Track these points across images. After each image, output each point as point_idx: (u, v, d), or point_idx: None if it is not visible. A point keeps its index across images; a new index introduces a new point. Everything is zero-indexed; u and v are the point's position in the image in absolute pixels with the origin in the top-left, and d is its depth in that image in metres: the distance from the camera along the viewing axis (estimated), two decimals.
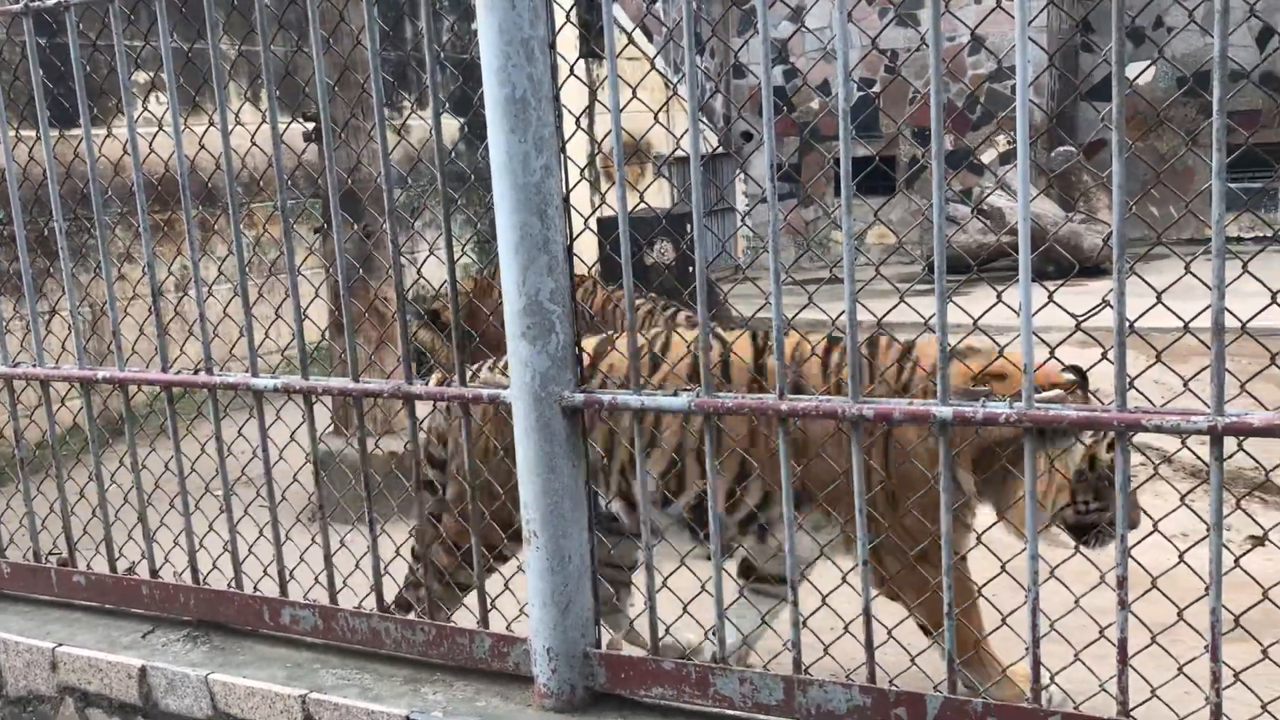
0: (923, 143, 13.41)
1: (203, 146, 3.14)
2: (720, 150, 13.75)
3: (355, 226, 4.87)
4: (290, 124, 3.15)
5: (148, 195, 3.14)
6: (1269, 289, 2.04)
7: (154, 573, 3.38)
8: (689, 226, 8.24)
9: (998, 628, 2.39)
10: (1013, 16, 2.07)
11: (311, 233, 6.13)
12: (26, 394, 3.80)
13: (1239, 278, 2.07)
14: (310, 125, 5.15)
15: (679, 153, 12.38)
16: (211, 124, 2.98)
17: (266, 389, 3.05)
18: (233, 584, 3.24)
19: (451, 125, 8.28)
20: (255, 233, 7.92)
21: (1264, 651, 2.17)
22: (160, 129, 3.21)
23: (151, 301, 3.18)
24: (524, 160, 2.48)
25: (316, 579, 3.12)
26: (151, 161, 3.26)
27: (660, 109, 2.80)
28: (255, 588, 3.24)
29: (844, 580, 2.56)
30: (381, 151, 2.76)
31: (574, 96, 2.58)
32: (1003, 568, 2.39)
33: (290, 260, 2.96)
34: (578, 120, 2.61)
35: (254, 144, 3.20)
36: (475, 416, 3.00)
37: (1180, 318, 2.10)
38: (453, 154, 2.83)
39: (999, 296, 2.30)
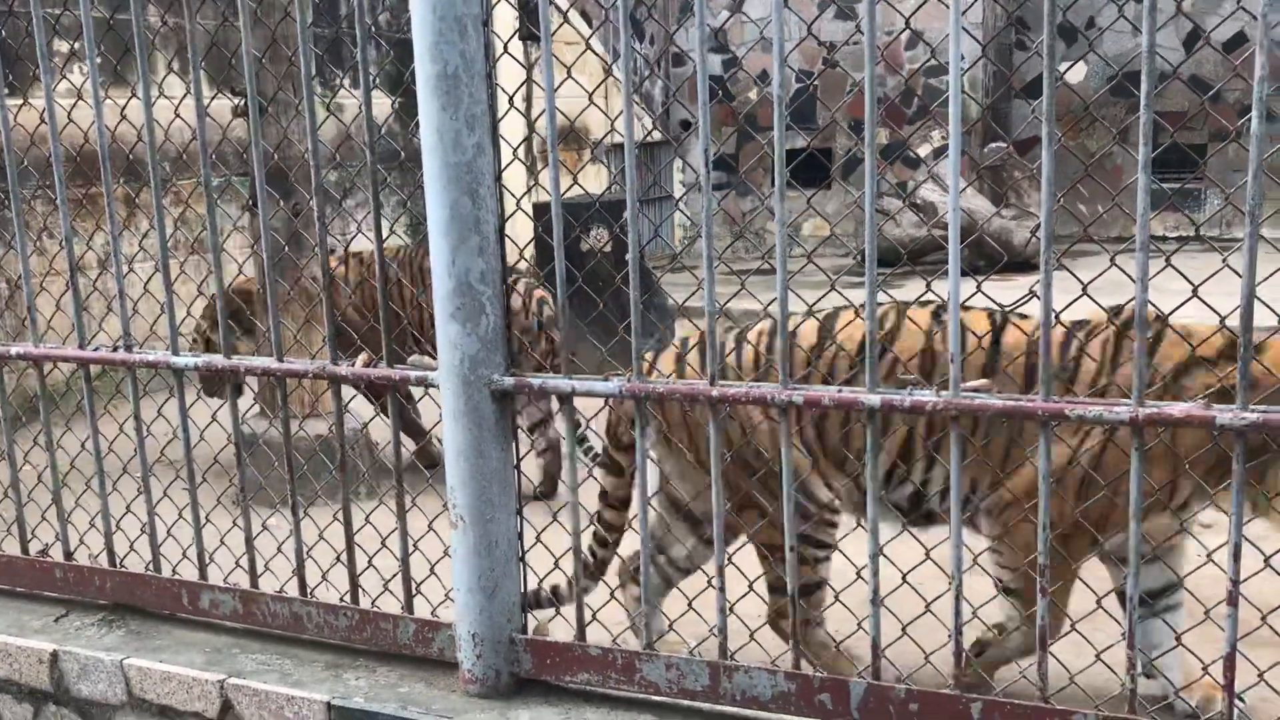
0: (859, 135, 13.50)
1: (124, 117, 3.05)
2: (658, 137, 13.73)
3: (284, 204, 4.78)
4: (214, 98, 3.07)
5: (67, 168, 3.05)
6: (1191, 283, 2.07)
7: (68, 555, 3.29)
8: (624, 213, 8.14)
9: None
10: (948, 6, 2.08)
11: (240, 210, 6.00)
12: None
13: (1162, 271, 2.10)
14: (238, 100, 5.03)
15: (617, 139, 12.35)
16: (134, 95, 2.89)
17: (187, 367, 2.97)
18: (150, 567, 3.16)
19: (385, 103, 8.17)
20: (181, 209, 7.75)
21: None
22: (79, 100, 3.11)
23: (69, 277, 3.09)
24: (455, 138, 2.44)
25: (238, 562, 3.06)
26: (72, 133, 3.16)
27: (595, 89, 2.77)
28: (174, 571, 3.17)
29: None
30: (310, 127, 2.70)
31: (511, 78, 2.55)
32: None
33: (214, 237, 2.89)
34: (511, 99, 2.58)
35: (178, 116, 3.11)
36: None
37: (1104, 310, 2.13)
38: (384, 133, 2.77)
39: (928, 286, 2.32)
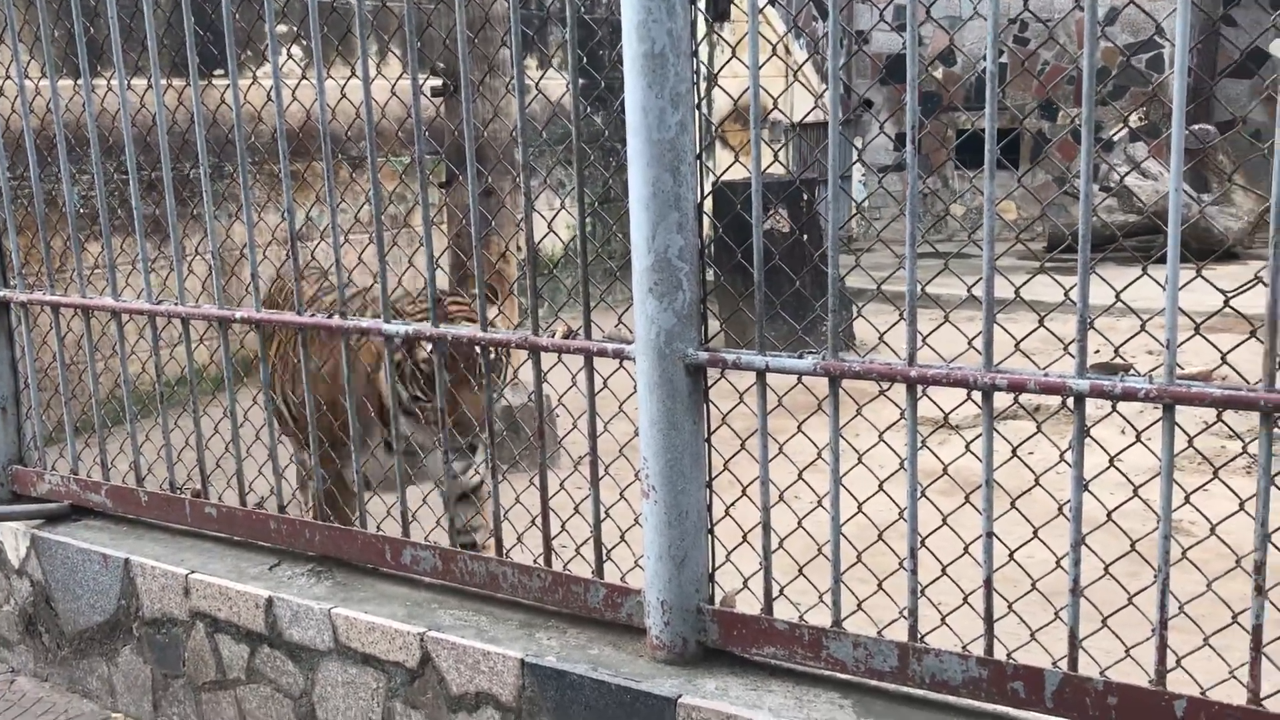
0: (1049, 116, 13.02)
1: (344, 96, 3.21)
2: (845, 118, 13.54)
3: (485, 179, 4.94)
4: (426, 79, 3.21)
5: (288, 144, 3.23)
6: None
7: (281, 508, 3.51)
8: (805, 195, 8.10)
9: (1123, 607, 2.34)
10: None
11: (436, 188, 6.23)
12: (168, 332, 3.95)
13: None
14: (439, 81, 5.23)
15: (796, 118, 12.23)
16: (353, 75, 3.05)
17: (396, 334, 3.12)
18: (356, 522, 3.34)
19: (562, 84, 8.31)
20: (379, 186, 8.09)
21: None
22: (304, 78, 3.29)
23: (289, 247, 3.28)
24: (660, 116, 2.49)
25: (438, 522, 3.20)
26: (291, 111, 3.35)
27: (780, 71, 2.77)
28: (378, 527, 3.34)
29: (965, 551, 2.53)
30: (519, 105, 2.79)
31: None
32: (1133, 546, 2.34)
33: (425, 211, 3.03)
34: (714, 78, 2.61)
35: (394, 95, 3.26)
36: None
37: None
38: (570, 116, 2.85)
39: (1144, 269, 2.24)
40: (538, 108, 6.87)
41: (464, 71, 2.82)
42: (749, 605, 2.72)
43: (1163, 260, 2.08)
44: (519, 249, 8.92)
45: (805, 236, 8.13)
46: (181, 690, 3.52)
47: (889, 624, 2.57)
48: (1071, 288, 2.19)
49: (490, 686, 2.84)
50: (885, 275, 2.73)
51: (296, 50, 7.52)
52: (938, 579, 2.52)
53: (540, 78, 8.92)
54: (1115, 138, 12.31)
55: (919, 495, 2.44)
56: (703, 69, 2.58)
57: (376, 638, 3.03)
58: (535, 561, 3.00)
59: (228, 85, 3.19)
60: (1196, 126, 10.90)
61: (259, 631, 3.28)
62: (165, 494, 3.71)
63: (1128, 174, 10.90)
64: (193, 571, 3.42)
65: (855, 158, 3.03)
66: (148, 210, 3.59)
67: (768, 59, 2.67)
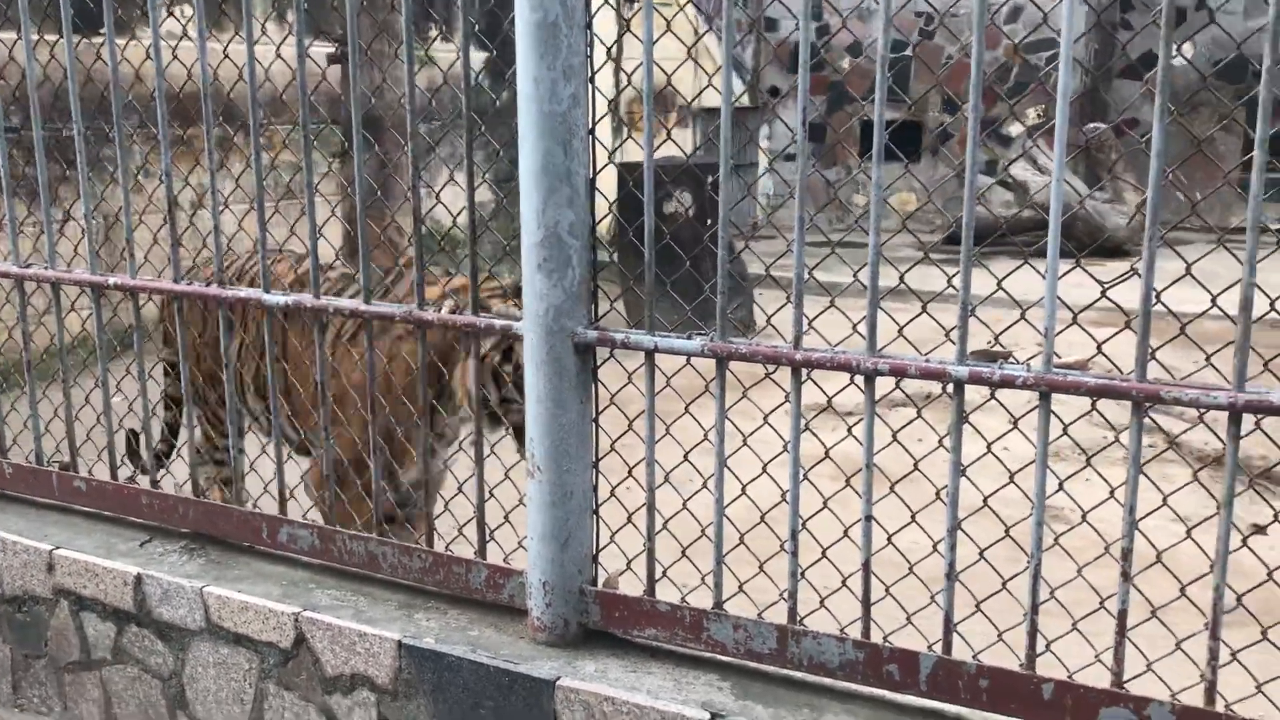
0: (951, 110, 13.24)
1: (226, 56, 3.09)
2: (747, 103, 13.60)
3: (376, 149, 4.83)
4: (310, 45, 3.10)
5: (168, 107, 3.10)
6: None
7: (154, 483, 3.39)
8: (708, 179, 8.11)
9: (997, 592, 2.38)
10: None
11: (329, 157, 6.08)
12: (36, 298, 3.78)
13: (1270, 255, 2.03)
14: (333, 48, 5.09)
15: (704, 102, 12.24)
16: (237, 34, 2.93)
17: (277, 306, 3.03)
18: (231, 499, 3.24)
19: (477, 58, 8.19)
20: (274, 154, 7.88)
21: (1263, 633, 2.16)
22: (185, 38, 3.16)
23: (167, 212, 3.15)
24: (551, 88, 2.44)
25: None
26: (173, 73, 3.21)
27: (688, 51, 2.74)
28: (255, 504, 3.25)
29: (845, 534, 2.54)
30: (408, 75, 2.71)
31: (603, 29, 2.54)
32: (1007, 532, 2.38)
33: (309, 177, 2.93)
34: (609, 50, 2.56)
35: (279, 58, 3.15)
36: None
37: (1209, 290, 2.07)
38: (476, 86, 2.78)
39: (1025, 260, 2.27)
40: (440, 78, 6.74)
41: (352, 36, 2.73)
42: (632, 587, 2.70)
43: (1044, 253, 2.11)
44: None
45: (709, 220, 8.15)
46: (43, 671, 3.38)
47: (769, 605, 2.57)
48: (954, 275, 2.20)
49: (366, 668, 2.78)
50: (774, 262, 2.72)
51: (188, 9, 7.25)
52: (817, 562, 2.52)
53: (429, 47, 8.77)
54: (1014, 133, 12.59)
55: (801, 478, 2.44)
56: (601, 46, 2.53)
57: (250, 617, 2.94)
58: (417, 541, 2.93)
59: (104, 43, 3.04)
60: (1089, 125, 11.20)
61: (127, 610, 3.16)
62: (31, 466, 3.55)
63: (1012, 163, 11.15)
64: (57, 547, 3.28)
65: (759, 145, 3.01)
66: (33, 172, 3.41)
67: (661, 34, 2.63)
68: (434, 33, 9.35)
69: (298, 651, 2.88)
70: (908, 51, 13.21)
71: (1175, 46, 1.97)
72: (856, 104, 13.57)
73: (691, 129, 8.36)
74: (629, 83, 2.53)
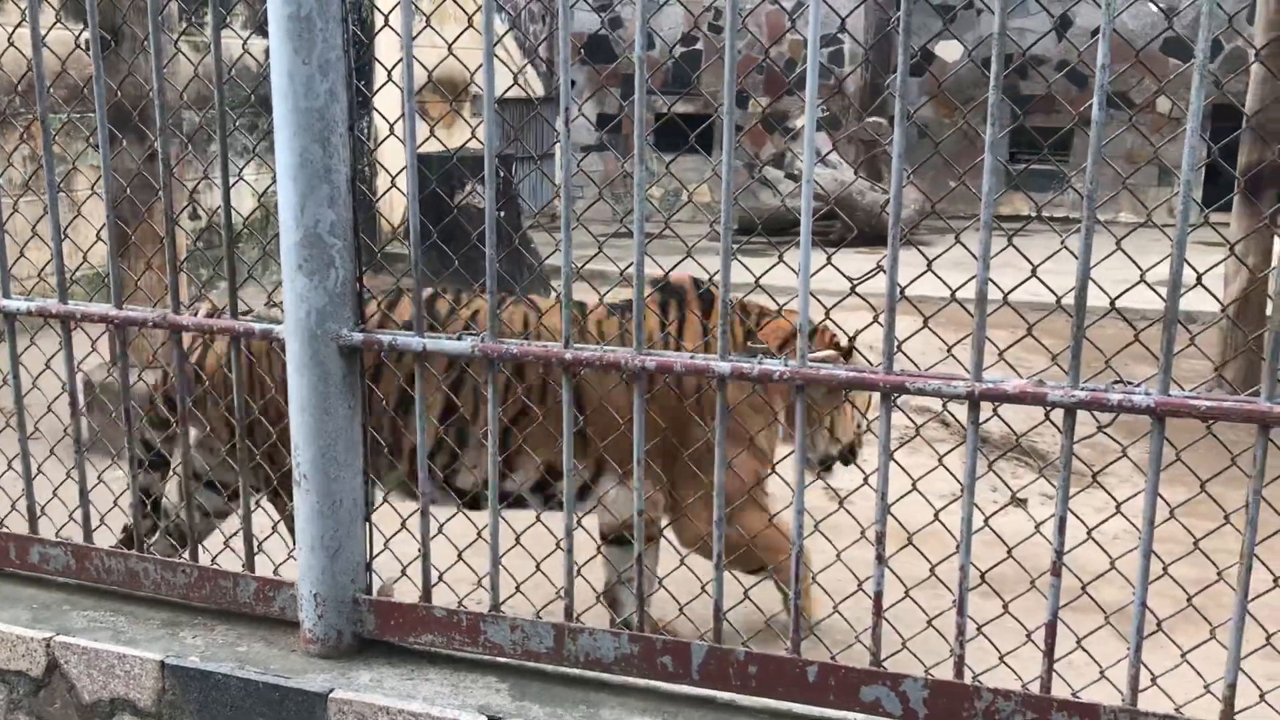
0: (740, 105, 13.57)
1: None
2: (541, 93, 13.58)
3: (137, 145, 4.58)
4: (53, 27, 2.90)
5: None
6: (1030, 263, 2.13)
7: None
8: (501, 172, 8.08)
9: (760, 580, 2.45)
10: None
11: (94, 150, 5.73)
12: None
13: (1004, 251, 2.15)
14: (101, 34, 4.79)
15: (507, 94, 12.13)
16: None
17: (19, 312, 2.83)
18: None
19: (259, 46, 7.87)
20: (32, 145, 7.36)
21: (1005, 607, 2.29)
22: None
23: None
24: (307, 83, 2.35)
25: (71, 516, 2.93)
26: None
27: (456, 39, 2.69)
28: (2, 524, 3.03)
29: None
30: (155, 65, 2.57)
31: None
32: (770, 521, 2.45)
33: (50, 175, 2.75)
34: (370, 42, 2.49)
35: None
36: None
37: (948, 285, 2.18)
38: (261, 76, 2.66)
39: (780, 257, 2.33)
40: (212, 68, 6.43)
41: (92, 23, 2.57)
42: (409, 594, 2.65)
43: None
44: (191, 219, 8.38)
45: (502, 213, 8.08)
46: None
47: (547, 604, 2.57)
48: (715, 273, 2.25)
49: (127, 692, 2.63)
50: (579, 255, 2.71)
51: None
52: (594, 557, 2.54)
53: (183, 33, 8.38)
54: (799, 127, 12.99)
55: (574, 474, 2.44)
56: (361, 40, 2.47)
57: None
58: (180, 555, 2.80)
59: None
60: (870, 120, 11.68)
61: None
62: None
63: (797, 156, 11.53)
64: None
65: (556, 138, 2.99)
66: None
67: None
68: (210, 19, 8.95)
69: (50, 679, 2.70)
70: (699, 45, 13.47)
71: (916, 49, 2.06)
72: (650, 96, 13.73)
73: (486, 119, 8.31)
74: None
